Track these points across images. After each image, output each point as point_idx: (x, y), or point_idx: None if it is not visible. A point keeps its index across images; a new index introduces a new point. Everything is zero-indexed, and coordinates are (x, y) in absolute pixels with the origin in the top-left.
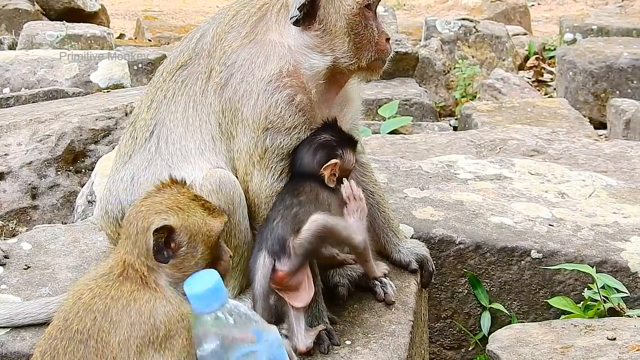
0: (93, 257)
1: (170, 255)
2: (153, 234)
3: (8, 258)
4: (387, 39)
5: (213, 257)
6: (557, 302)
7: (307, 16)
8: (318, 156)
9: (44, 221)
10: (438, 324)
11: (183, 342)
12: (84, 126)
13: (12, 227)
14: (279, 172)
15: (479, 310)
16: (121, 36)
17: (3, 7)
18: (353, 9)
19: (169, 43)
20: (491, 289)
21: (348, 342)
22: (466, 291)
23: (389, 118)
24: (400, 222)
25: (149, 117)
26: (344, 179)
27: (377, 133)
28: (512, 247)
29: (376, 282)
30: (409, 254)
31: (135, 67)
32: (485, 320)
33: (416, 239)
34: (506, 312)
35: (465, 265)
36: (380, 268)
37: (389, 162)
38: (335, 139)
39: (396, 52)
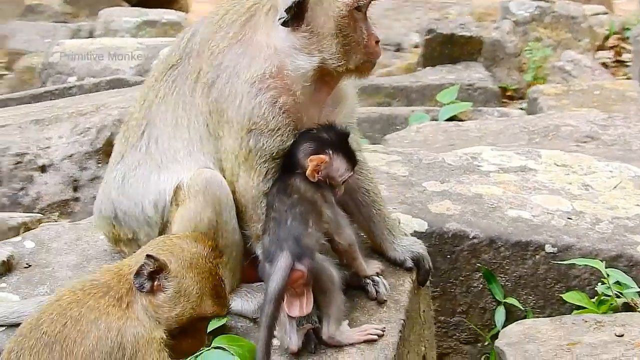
0: (94, 256)
1: (146, 287)
2: (145, 257)
3: (14, 258)
4: (377, 42)
5: (186, 328)
6: (570, 297)
7: (296, 17)
8: (306, 146)
9: (85, 213)
10: (454, 319)
11: None
12: (123, 119)
13: (54, 220)
14: (264, 173)
15: (494, 305)
16: None
17: None
18: (342, 11)
19: None
20: (506, 283)
21: None
22: (481, 286)
23: (447, 104)
24: (414, 217)
25: (140, 117)
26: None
27: (435, 120)
28: (527, 241)
29: (368, 281)
30: (404, 252)
31: None
32: (500, 315)
33: (429, 233)
34: (520, 307)
35: (480, 259)
36: (372, 267)
37: (412, 154)
38: (332, 140)
39: (460, 35)
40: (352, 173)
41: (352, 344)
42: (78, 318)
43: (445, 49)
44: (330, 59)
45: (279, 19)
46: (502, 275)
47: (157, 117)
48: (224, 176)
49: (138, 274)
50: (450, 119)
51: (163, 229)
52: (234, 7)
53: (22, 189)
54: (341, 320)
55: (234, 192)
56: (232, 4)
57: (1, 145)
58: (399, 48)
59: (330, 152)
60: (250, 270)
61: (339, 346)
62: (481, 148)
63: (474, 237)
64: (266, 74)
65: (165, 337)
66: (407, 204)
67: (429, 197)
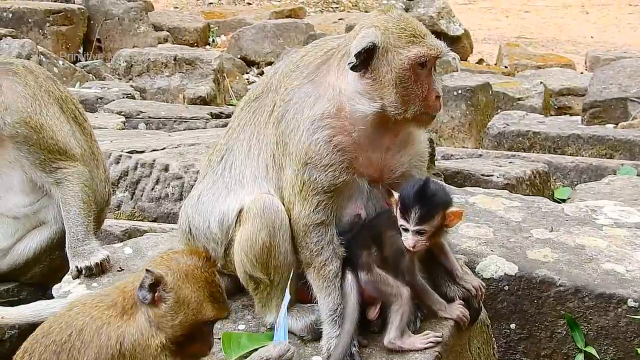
0: None
1: (148, 299)
2: (145, 271)
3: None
4: (437, 97)
5: (191, 335)
6: None
7: (364, 63)
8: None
9: None
10: None
11: None
12: None
13: None
14: (315, 204)
15: (576, 352)
16: (480, 61)
17: None
18: (404, 64)
19: (523, 71)
20: (589, 332)
21: None
22: (565, 332)
23: None
24: (507, 260)
25: (223, 143)
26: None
27: None
28: (610, 293)
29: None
30: (456, 290)
31: (455, 93)
32: None
33: (518, 277)
34: (597, 356)
35: (565, 307)
36: (452, 309)
37: (535, 202)
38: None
39: None
40: None
41: (415, 350)
42: (82, 328)
43: None
44: (390, 106)
45: (348, 63)
46: (585, 324)
47: (236, 144)
48: (283, 204)
49: (141, 287)
50: None
51: (227, 246)
52: (314, 49)
53: None
54: (404, 329)
55: (290, 219)
56: (313, 46)
57: (188, 162)
58: None
59: None
60: (302, 292)
61: (400, 351)
62: (605, 202)
63: (560, 285)
64: (325, 114)
65: (164, 342)
66: (507, 247)
67: (531, 243)
